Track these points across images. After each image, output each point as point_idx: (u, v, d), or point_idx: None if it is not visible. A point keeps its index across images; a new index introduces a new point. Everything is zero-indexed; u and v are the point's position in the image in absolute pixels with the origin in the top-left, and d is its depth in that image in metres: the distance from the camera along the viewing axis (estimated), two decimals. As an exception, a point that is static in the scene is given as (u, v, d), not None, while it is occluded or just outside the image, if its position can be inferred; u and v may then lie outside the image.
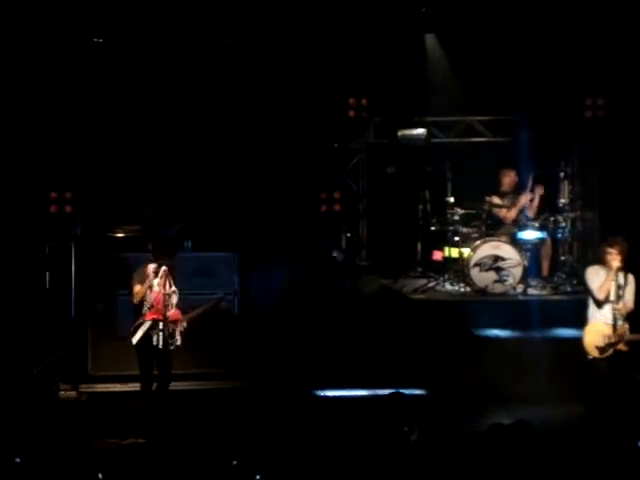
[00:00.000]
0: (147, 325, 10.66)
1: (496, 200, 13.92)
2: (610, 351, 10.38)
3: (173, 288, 10.82)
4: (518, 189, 13.93)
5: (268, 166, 14.11)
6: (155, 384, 10.88)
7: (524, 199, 13.77)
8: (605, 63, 14.04)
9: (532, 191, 13.80)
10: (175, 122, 13.88)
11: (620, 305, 10.40)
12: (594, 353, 10.45)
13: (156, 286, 10.70)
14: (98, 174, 13.67)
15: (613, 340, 10.37)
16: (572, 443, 7.59)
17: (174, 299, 10.82)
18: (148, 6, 13.41)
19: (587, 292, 10.71)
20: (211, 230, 13.61)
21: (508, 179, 13.96)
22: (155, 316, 10.76)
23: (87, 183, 13.46)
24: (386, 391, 12.01)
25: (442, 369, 12.42)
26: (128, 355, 11.51)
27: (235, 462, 7.79)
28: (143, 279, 10.73)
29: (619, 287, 10.42)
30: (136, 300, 10.79)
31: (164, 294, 10.73)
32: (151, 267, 10.73)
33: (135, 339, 10.73)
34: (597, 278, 10.56)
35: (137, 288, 10.76)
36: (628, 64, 13.65)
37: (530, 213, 13.78)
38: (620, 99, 13.89)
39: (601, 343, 10.40)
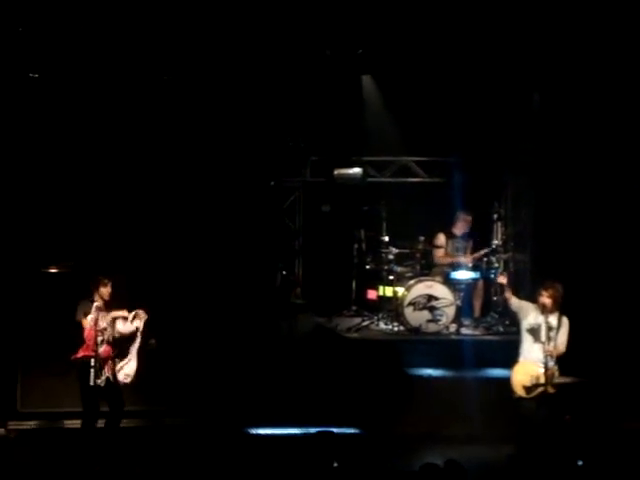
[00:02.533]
0: (92, 362, 10.61)
1: (441, 240, 14.03)
2: (537, 391, 10.46)
3: (104, 325, 10.77)
4: (468, 234, 14.06)
5: (204, 204, 14.07)
6: (104, 420, 10.81)
7: (470, 244, 13.91)
8: (537, 108, 14.27)
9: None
10: (108, 158, 13.81)
11: (551, 346, 10.50)
12: (521, 392, 10.53)
13: (89, 321, 10.67)
14: (32, 211, 13.55)
15: (541, 381, 10.46)
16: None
17: (106, 335, 10.77)
18: (84, 42, 13.35)
19: (519, 331, 10.81)
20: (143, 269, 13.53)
21: (463, 223, 14.09)
22: (86, 353, 10.71)
23: (22, 221, 13.36)
24: (318, 429, 12.13)
25: (376, 408, 12.44)
26: (58, 392, 11.43)
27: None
28: (88, 311, 10.70)
29: (550, 329, 10.52)
30: (82, 324, 10.78)
31: (96, 330, 10.70)
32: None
33: (92, 381, 10.65)
34: (526, 311, 10.67)
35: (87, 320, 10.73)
36: (560, 109, 13.89)
37: (466, 258, 13.92)
38: (552, 143, 14.11)
39: (528, 383, 10.48)
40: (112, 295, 10.96)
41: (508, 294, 11.12)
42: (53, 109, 13.64)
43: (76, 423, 11.23)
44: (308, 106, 14.38)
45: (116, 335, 10.87)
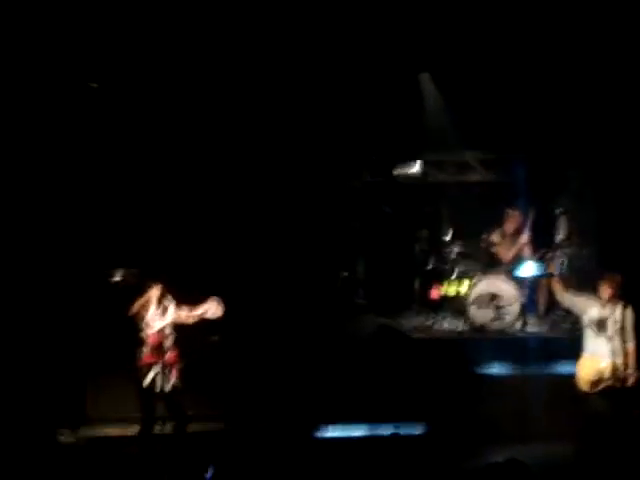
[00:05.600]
0: (157, 369, 10.68)
1: (496, 239, 13.95)
2: (602, 386, 10.35)
3: (170, 330, 10.85)
4: (519, 230, 13.96)
5: (268, 207, 14.14)
6: (171, 426, 10.92)
7: (524, 240, 13.81)
8: (601, 98, 14.11)
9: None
10: (173, 166, 13.93)
11: (618, 340, 10.38)
12: (586, 387, 10.43)
13: (149, 317, 10.68)
14: (94, 218, 13.72)
15: (606, 375, 10.35)
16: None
17: (170, 340, 10.85)
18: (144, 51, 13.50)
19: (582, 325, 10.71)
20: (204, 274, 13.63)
21: (512, 219, 13.99)
22: (152, 359, 10.79)
23: (83, 227, 13.53)
24: (386, 429, 12.13)
25: (442, 407, 12.40)
26: (126, 398, 11.54)
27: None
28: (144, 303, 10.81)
29: (615, 321, 10.42)
30: (131, 311, 10.80)
31: (161, 335, 10.78)
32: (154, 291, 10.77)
33: (146, 382, 10.73)
34: (584, 305, 10.57)
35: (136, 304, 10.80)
36: (623, 102, 13.72)
37: (527, 253, 13.81)
38: (615, 136, 13.94)
39: (593, 377, 10.39)
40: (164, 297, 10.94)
41: (557, 288, 11.00)
42: (115, 116, 13.79)
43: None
44: (366, 105, 14.37)
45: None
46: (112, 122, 13.76)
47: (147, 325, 10.82)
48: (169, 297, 10.93)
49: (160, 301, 10.84)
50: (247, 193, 14.15)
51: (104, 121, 13.71)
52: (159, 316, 10.82)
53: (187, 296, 11.30)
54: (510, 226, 13.99)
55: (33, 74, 13.12)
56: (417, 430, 12.14)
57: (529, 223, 13.87)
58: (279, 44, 13.56)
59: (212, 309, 10.95)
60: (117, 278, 13.48)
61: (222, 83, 13.83)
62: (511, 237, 13.96)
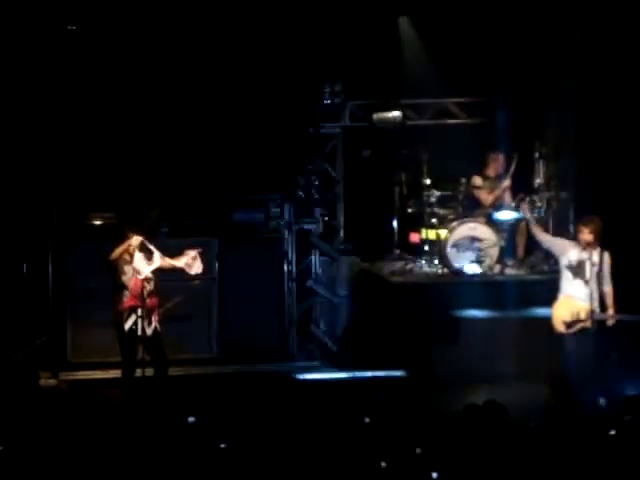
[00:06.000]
0: (139, 312, 10.71)
1: (478, 182, 13.98)
2: (577, 327, 10.45)
3: (150, 275, 10.87)
4: (502, 174, 13.99)
5: (244, 152, 14.10)
6: (153, 370, 10.94)
7: (506, 184, 13.84)
8: (579, 43, 14.08)
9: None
10: (150, 108, 13.85)
11: (594, 282, 10.46)
12: (561, 328, 10.52)
13: (136, 263, 10.72)
14: (72, 162, 13.65)
15: (582, 317, 10.44)
16: (545, 423, 7.66)
17: (151, 285, 10.87)
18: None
19: (559, 268, 10.78)
20: (188, 216, 13.62)
21: (495, 163, 14.01)
22: (133, 303, 10.82)
23: (61, 171, 13.46)
24: (365, 373, 12.24)
25: (420, 350, 12.50)
26: (108, 342, 11.58)
27: (224, 445, 7.88)
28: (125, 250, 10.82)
29: (593, 265, 10.49)
30: (111, 257, 10.81)
31: (142, 280, 10.80)
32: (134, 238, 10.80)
33: (127, 326, 10.76)
34: (563, 248, 10.64)
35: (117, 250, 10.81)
36: (601, 44, 13.70)
37: (508, 197, 13.86)
38: (594, 79, 13.93)
39: (569, 318, 10.47)
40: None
41: (535, 230, 11.10)
42: (92, 60, 13.69)
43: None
44: (345, 50, 14.28)
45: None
46: (90, 67, 13.67)
47: (135, 271, 10.80)
48: (150, 245, 10.90)
49: (142, 247, 10.82)
50: (226, 139, 14.10)
51: (82, 65, 13.61)
52: (146, 261, 10.82)
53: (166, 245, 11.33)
54: (493, 169, 14.02)
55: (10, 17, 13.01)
56: (397, 373, 12.26)
57: (513, 167, 13.90)
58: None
59: (195, 267, 10.94)
60: (96, 221, 13.48)
61: (193, 25, 13.72)
62: (493, 181, 13.99)
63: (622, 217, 12.89)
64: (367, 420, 8.36)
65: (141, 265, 10.80)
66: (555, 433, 7.56)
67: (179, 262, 10.94)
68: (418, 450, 7.41)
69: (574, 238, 10.82)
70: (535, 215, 13.66)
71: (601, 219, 10.63)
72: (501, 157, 13.98)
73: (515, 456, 7.03)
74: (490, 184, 13.96)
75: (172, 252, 11.07)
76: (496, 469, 6.95)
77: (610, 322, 10.49)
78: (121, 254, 10.79)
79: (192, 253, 10.95)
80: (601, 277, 10.53)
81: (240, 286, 13.17)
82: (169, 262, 10.93)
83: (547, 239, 11.09)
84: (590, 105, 13.99)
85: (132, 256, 10.80)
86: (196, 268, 10.96)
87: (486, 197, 13.99)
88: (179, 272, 11.01)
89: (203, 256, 11.03)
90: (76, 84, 13.60)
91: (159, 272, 10.95)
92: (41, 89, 13.32)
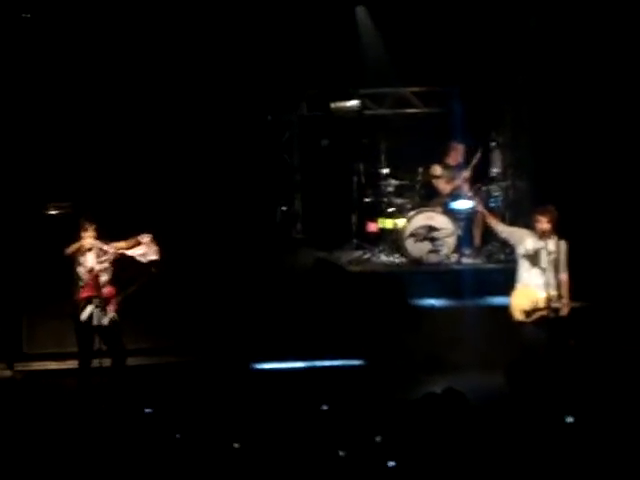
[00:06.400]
0: (96, 302, 10.62)
1: (438, 171, 14.00)
2: (536, 316, 10.52)
3: (105, 265, 10.79)
4: (461, 163, 14.03)
5: (200, 141, 14.04)
6: (110, 360, 10.86)
7: (466, 175, 13.88)
8: (534, 33, 14.16)
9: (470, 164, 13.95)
10: (102, 99, 13.75)
11: (551, 271, 10.52)
12: (520, 316, 10.58)
13: (89, 260, 10.65)
14: (31, 152, 13.54)
15: (540, 305, 10.50)
16: (502, 411, 7.70)
17: (106, 276, 10.79)
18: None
19: (516, 257, 10.82)
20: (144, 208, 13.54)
21: (455, 153, 14.05)
22: (89, 293, 10.75)
23: (21, 161, 13.35)
24: (323, 362, 12.22)
25: (379, 339, 12.51)
26: (63, 332, 11.50)
27: (179, 436, 7.85)
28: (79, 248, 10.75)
29: (549, 253, 10.55)
30: (66, 252, 10.73)
31: (97, 270, 10.72)
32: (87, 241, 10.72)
33: (84, 316, 10.68)
34: (520, 237, 10.70)
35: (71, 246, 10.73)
36: (556, 33, 13.78)
37: (465, 187, 13.90)
38: (549, 68, 14.01)
39: (527, 307, 10.53)
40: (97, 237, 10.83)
41: (491, 220, 11.17)
42: (47, 49, 13.56)
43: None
44: (303, 39, 14.27)
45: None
46: (46, 53, 13.54)
47: (89, 270, 10.72)
48: (102, 245, 10.79)
49: (95, 246, 10.72)
50: (182, 127, 14.04)
51: (37, 53, 13.48)
52: (97, 257, 10.74)
53: (123, 232, 11.22)
54: (453, 159, 14.06)
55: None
56: (356, 362, 12.26)
57: (476, 160, 13.92)
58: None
59: (149, 253, 10.85)
60: (51, 211, 13.36)
61: (158, 15, 13.65)
62: (452, 170, 14.02)
63: (578, 206, 12.98)
64: (325, 408, 8.36)
65: (92, 262, 10.72)
66: (512, 420, 7.60)
67: (135, 252, 10.86)
68: (377, 438, 7.42)
69: (531, 227, 10.87)
70: (492, 204, 13.78)
71: (557, 208, 10.70)
72: (461, 147, 14.03)
73: (474, 443, 7.05)
74: (449, 173, 14.00)
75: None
76: (455, 456, 6.97)
77: (565, 311, 10.55)
78: (74, 252, 10.72)
79: (145, 239, 10.85)
80: (557, 266, 10.58)
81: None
82: (125, 253, 10.84)
83: (504, 229, 11.16)
84: (545, 94, 14.08)
85: (84, 255, 10.71)
86: (152, 254, 10.88)
87: (444, 186, 14.02)
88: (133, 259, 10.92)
89: (155, 241, 10.94)
90: (40, 74, 13.47)
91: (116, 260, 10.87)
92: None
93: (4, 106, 13.26)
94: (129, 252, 10.86)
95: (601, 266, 12.67)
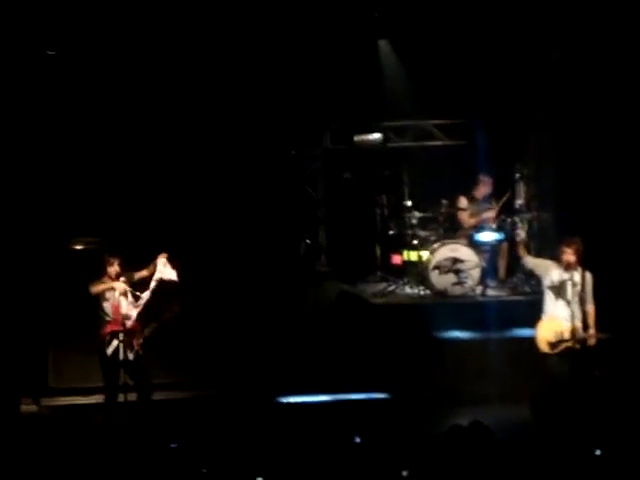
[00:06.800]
0: (121, 337, 10.67)
1: (463, 203, 14.01)
2: (561, 347, 10.48)
3: (131, 299, 10.83)
4: (488, 196, 14.03)
5: (226, 175, 14.11)
6: (136, 395, 10.89)
7: (492, 213, 13.87)
8: (557, 65, 14.19)
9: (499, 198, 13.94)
10: (128, 135, 13.86)
11: (577, 303, 10.48)
12: (545, 348, 10.54)
13: (123, 306, 10.73)
14: (55, 186, 13.64)
15: (566, 337, 10.46)
16: (529, 444, 7.66)
17: (134, 312, 10.83)
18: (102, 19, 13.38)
19: (542, 288, 10.80)
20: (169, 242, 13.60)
21: (483, 186, 14.05)
22: (115, 328, 10.79)
23: (45, 195, 13.44)
24: (349, 396, 12.20)
25: (404, 372, 12.47)
26: (89, 367, 11.52)
27: (205, 471, 7.83)
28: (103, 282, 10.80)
29: (574, 285, 10.52)
30: (93, 291, 10.78)
31: (124, 304, 10.78)
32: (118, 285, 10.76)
33: (109, 350, 10.72)
34: (546, 269, 10.69)
35: (99, 285, 10.77)
36: (579, 65, 13.80)
37: (491, 221, 13.88)
38: (573, 99, 14.03)
39: (553, 339, 10.49)
40: (121, 274, 10.89)
41: (521, 252, 11.18)
42: (74, 85, 13.69)
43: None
44: (326, 73, 14.34)
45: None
46: (71, 90, 13.67)
47: (126, 317, 10.77)
48: (129, 275, 10.85)
49: (126, 293, 10.79)
50: (209, 162, 14.12)
51: (63, 89, 13.61)
52: (133, 304, 10.82)
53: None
54: (480, 191, 14.05)
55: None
56: (381, 395, 12.22)
57: (507, 196, 13.88)
58: (240, 9, 13.50)
59: (166, 273, 10.87)
60: (78, 246, 13.43)
61: (181, 48, 13.76)
62: (478, 203, 14.02)
63: (603, 237, 12.94)
64: (358, 440, 8.34)
65: (125, 308, 10.79)
66: (538, 453, 7.55)
67: (156, 276, 10.87)
68: (404, 473, 7.39)
69: (556, 258, 10.85)
70: (517, 237, 13.74)
71: (582, 240, 10.68)
72: (489, 180, 14.03)
73: (500, 477, 7.02)
74: (475, 206, 14.00)
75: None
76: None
77: (591, 342, 10.51)
78: (102, 291, 10.78)
79: (162, 260, 10.87)
80: (583, 297, 10.55)
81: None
82: (150, 281, 10.86)
83: (530, 260, 11.17)
84: (569, 125, 14.09)
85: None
86: (168, 274, 10.91)
87: (468, 220, 14.02)
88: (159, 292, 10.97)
89: (170, 260, 10.96)
90: (64, 109, 13.59)
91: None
92: (24, 112, 13.30)
93: (31, 140, 13.38)
94: (151, 278, 10.88)
95: (626, 297, 12.60)
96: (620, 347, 11.93)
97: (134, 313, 10.81)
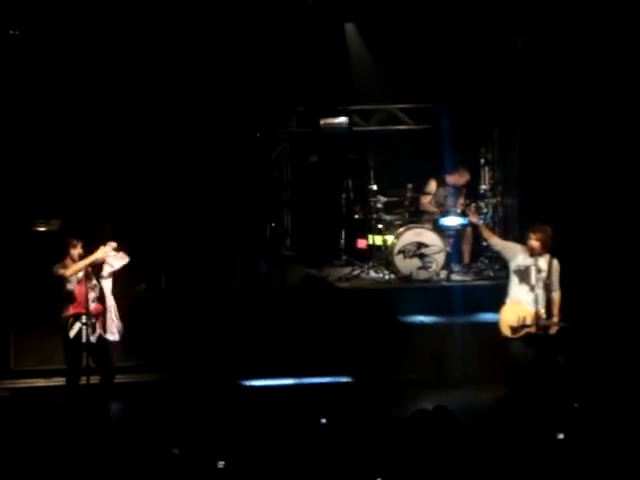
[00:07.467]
0: (83, 319, 10.59)
1: (432, 186, 14.00)
2: (523, 332, 10.51)
3: (94, 282, 10.76)
4: (459, 188, 14.02)
5: (190, 157, 14.04)
6: (99, 377, 10.81)
7: (464, 197, 13.90)
8: (521, 51, 14.22)
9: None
10: (89, 115, 13.75)
11: (540, 289, 10.51)
12: (507, 332, 10.58)
13: (80, 280, 10.64)
14: (17, 167, 13.51)
15: (528, 322, 10.50)
16: (492, 427, 7.69)
17: (96, 292, 10.75)
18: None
19: (508, 272, 10.83)
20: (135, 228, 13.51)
21: (460, 177, 14.06)
22: (78, 310, 10.71)
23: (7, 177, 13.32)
24: (312, 379, 12.20)
25: (369, 356, 12.49)
26: (51, 350, 11.44)
27: (176, 451, 7.81)
28: (66, 265, 10.67)
29: (539, 271, 10.54)
30: (67, 273, 10.65)
31: (87, 287, 10.69)
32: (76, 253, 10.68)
33: (72, 333, 10.64)
34: (514, 252, 10.70)
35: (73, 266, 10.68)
36: (543, 51, 13.84)
37: (453, 204, 13.91)
38: (537, 86, 14.07)
39: (515, 323, 10.52)
40: (84, 256, 10.79)
41: (486, 234, 11.20)
42: (35, 66, 13.55)
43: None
44: (292, 56, 14.29)
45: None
46: (32, 71, 13.53)
47: (89, 299, 10.69)
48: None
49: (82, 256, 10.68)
50: (172, 144, 14.04)
51: (25, 69, 13.47)
52: (95, 287, 10.73)
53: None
54: (453, 180, 14.06)
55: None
56: (346, 379, 12.23)
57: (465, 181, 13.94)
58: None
59: (119, 257, 10.79)
60: (39, 228, 13.33)
61: (147, 29, 13.66)
62: (447, 190, 14.02)
63: (566, 224, 12.98)
64: (324, 421, 8.34)
65: (92, 292, 10.71)
66: (502, 437, 7.59)
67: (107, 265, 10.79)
68: (367, 456, 7.39)
69: (523, 243, 10.87)
70: (481, 220, 13.77)
71: (551, 227, 10.68)
72: (467, 174, 14.05)
73: (463, 461, 7.03)
74: (442, 192, 13.99)
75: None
76: (446, 474, 6.95)
77: (553, 329, 10.54)
78: (76, 273, 10.68)
79: (105, 249, 10.76)
80: (549, 284, 10.57)
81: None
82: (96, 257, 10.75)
83: (498, 242, 11.17)
84: (534, 111, 14.13)
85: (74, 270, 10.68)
86: (120, 258, 10.83)
87: (427, 205, 14.05)
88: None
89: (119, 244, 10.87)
90: (27, 89, 13.45)
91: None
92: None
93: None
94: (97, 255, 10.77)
95: (588, 285, 12.66)
96: (582, 335, 11.99)
97: (96, 295, 10.72)
